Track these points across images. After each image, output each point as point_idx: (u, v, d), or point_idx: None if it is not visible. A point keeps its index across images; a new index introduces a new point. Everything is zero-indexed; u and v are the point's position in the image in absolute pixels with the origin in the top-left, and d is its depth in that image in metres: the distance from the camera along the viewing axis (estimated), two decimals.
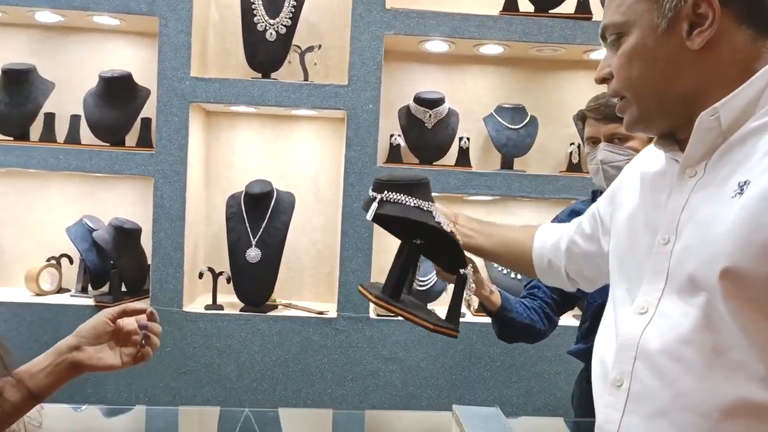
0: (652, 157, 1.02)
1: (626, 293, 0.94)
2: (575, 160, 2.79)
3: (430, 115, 2.73)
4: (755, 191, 0.77)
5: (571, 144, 2.84)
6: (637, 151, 1.83)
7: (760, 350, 0.76)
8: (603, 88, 1.05)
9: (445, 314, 1.27)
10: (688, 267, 0.83)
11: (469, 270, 1.29)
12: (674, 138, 0.93)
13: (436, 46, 2.77)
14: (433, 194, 2.70)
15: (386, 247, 2.93)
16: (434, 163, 2.78)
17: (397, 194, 1.27)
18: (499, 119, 2.81)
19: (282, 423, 1.85)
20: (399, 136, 2.79)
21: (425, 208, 1.26)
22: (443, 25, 2.64)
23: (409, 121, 2.77)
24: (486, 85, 2.95)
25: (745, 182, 0.80)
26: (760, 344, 0.76)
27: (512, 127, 2.78)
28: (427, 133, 2.75)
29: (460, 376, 2.66)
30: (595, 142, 1.62)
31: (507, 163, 2.80)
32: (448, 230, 1.26)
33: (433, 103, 2.73)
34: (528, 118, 2.81)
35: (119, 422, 1.82)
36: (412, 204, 1.26)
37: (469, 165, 2.78)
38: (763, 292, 0.75)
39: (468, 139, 2.79)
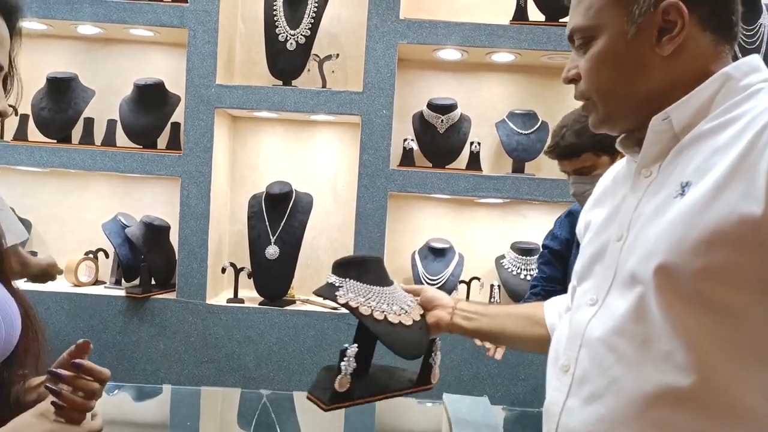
0: (613, 170, 1.07)
1: (588, 292, 0.97)
2: None
3: (442, 121, 2.85)
4: (694, 193, 0.82)
5: None
6: None
7: (685, 342, 0.80)
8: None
9: (418, 375, 1.42)
10: (630, 263, 0.87)
11: (437, 342, 1.42)
12: (636, 139, 0.96)
13: (449, 54, 2.89)
14: (443, 196, 2.87)
15: (399, 246, 3.07)
16: (446, 167, 2.89)
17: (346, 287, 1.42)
18: (511, 125, 2.90)
19: (296, 404, 1.98)
20: (412, 140, 2.91)
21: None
22: (455, 34, 2.75)
23: (422, 126, 2.89)
24: (499, 91, 3.04)
25: (686, 183, 0.84)
26: (686, 336, 0.80)
27: (523, 132, 2.87)
28: (439, 137, 2.86)
29: (468, 372, 2.75)
30: (568, 174, 1.73)
31: (518, 167, 2.89)
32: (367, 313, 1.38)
33: (446, 108, 2.84)
34: (539, 123, 2.90)
35: (149, 401, 1.95)
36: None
37: (479, 169, 2.88)
38: (691, 286, 0.80)
39: (479, 143, 2.89)
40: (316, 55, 2.89)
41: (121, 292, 2.84)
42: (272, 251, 2.80)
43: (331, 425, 1.58)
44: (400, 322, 1.41)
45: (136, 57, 3.06)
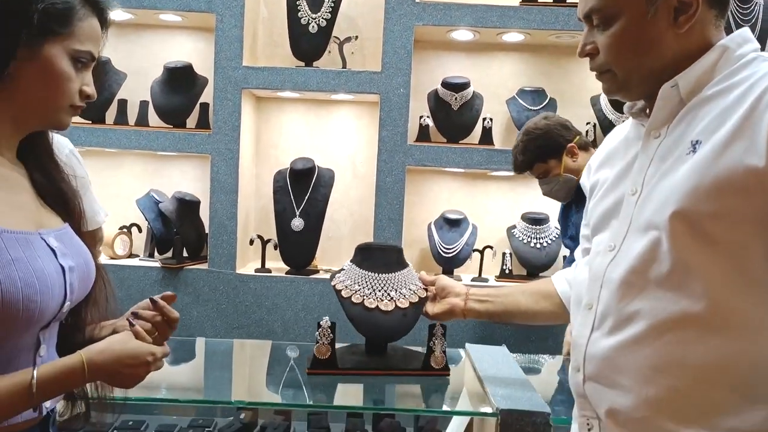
0: (615, 134, 1.22)
1: (605, 239, 1.11)
2: (590, 138, 3.02)
3: (455, 98, 3.01)
4: (704, 149, 0.95)
5: (587, 123, 3.06)
6: (559, 174, 2.28)
7: (697, 274, 0.96)
8: None
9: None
10: (647, 212, 1.01)
11: (436, 329, 1.64)
12: (643, 107, 1.11)
13: (462, 35, 3.04)
14: (458, 170, 3.10)
15: (417, 218, 3.24)
16: (460, 142, 3.05)
17: None
18: (521, 101, 3.06)
19: None
20: (428, 117, 3.07)
21: None
22: (468, 15, 2.91)
23: (437, 103, 3.05)
24: (510, 70, 3.20)
25: (697, 141, 0.97)
26: (697, 269, 0.95)
27: (532, 108, 3.03)
28: (453, 114, 3.02)
29: (484, 333, 2.94)
30: None
31: None
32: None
33: (459, 87, 3.00)
34: (547, 100, 3.06)
35: (183, 350, 2.11)
36: None
37: (491, 143, 3.04)
38: (702, 227, 0.93)
39: (491, 119, 3.05)
40: (337, 37, 3.04)
41: (157, 264, 3.02)
42: (297, 223, 2.97)
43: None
44: (377, 307, 1.60)
45: (166, 41, 3.22)
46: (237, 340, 2.77)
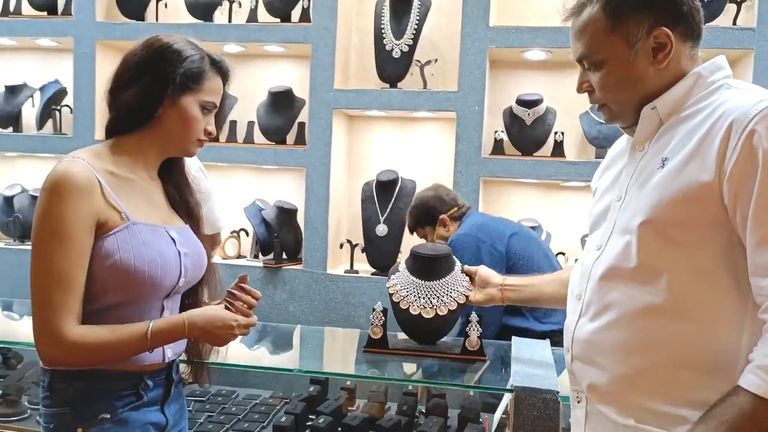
0: (616, 145, 1.41)
1: (595, 239, 1.31)
2: None
3: (528, 114, 3.20)
4: (670, 165, 1.13)
5: None
6: (433, 239, 2.63)
7: (660, 272, 1.12)
8: None
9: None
10: (624, 217, 1.20)
11: (471, 317, 1.86)
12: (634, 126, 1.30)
13: (536, 55, 3.24)
14: (531, 180, 3.34)
15: None
16: (533, 155, 3.24)
17: None
18: (593, 115, 3.20)
19: None
20: (502, 131, 3.29)
21: None
22: (539, 37, 3.10)
23: (511, 119, 3.26)
24: None
25: (665, 158, 1.15)
26: (660, 267, 1.12)
27: (603, 122, 3.16)
28: (526, 129, 3.22)
29: None
30: None
31: (600, 154, 3.18)
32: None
33: (532, 103, 3.20)
34: None
35: (280, 336, 2.47)
36: None
37: (563, 155, 3.20)
38: (665, 232, 1.12)
39: (562, 133, 3.22)
40: (418, 61, 3.33)
41: (260, 264, 3.44)
42: (381, 229, 3.28)
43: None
44: (420, 314, 1.84)
45: (270, 69, 3.67)
46: (328, 327, 3.10)
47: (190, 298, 1.50)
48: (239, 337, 1.43)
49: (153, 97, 1.36)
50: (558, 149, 3.21)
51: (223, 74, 1.46)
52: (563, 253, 3.26)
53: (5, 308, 2.93)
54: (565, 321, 1.35)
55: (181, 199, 1.50)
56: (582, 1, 1.24)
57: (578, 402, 1.30)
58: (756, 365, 1.04)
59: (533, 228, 3.25)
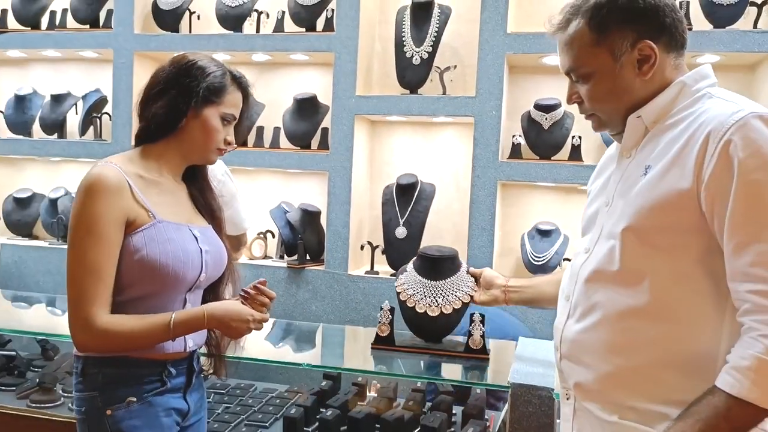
0: (609, 151, 1.46)
1: (585, 242, 1.36)
2: None
3: (546, 118, 3.25)
4: (652, 173, 1.18)
5: None
6: None
7: (641, 275, 1.18)
8: None
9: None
10: (609, 223, 1.25)
11: (474, 316, 1.93)
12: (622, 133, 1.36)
13: (554, 60, 3.28)
14: (549, 184, 3.35)
15: (512, 229, 3.51)
16: (551, 159, 3.28)
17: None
18: None
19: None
20: (520, 136, 3.34)
21: None
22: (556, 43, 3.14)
23: (529, 123, 3.31)
24: None
25: (648, 166, 1.20)
26: (642, 271, 1.18)
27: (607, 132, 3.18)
28: (544, 133, 3.27)
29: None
30: None
31: None
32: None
33: (550, 108, 3.24)
34: None
35: (303, 334, 2.58)
36: None
37: (580, 159, 3.24)
38: (647, 238, 1.17)
39: (579, 137, 3.25)
40: (438, 67, 3.41)
41: (284, 264, 3.57)
42: (401, 232, 3.37)
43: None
44: (425, 312, 1.92)
45: (295, 76, 3.80)
46: (348, 326, 3.21)
47: (212, 294, 1.62)
48: (256, 332, 1.54)
49: (178, 109, 1.49)
50: (575, 153, 3.25)
51: (243, 89, 1.58)
52: None
53: (48, 303, 3.13)
54: (555, 321, 1.40)
55: (204, 202, 1.63)
56: (567, 17, 1.29)
57: (567, 399, 1.36)
58: (731, 366, 1.08)
59: (550, 231, 3.30)
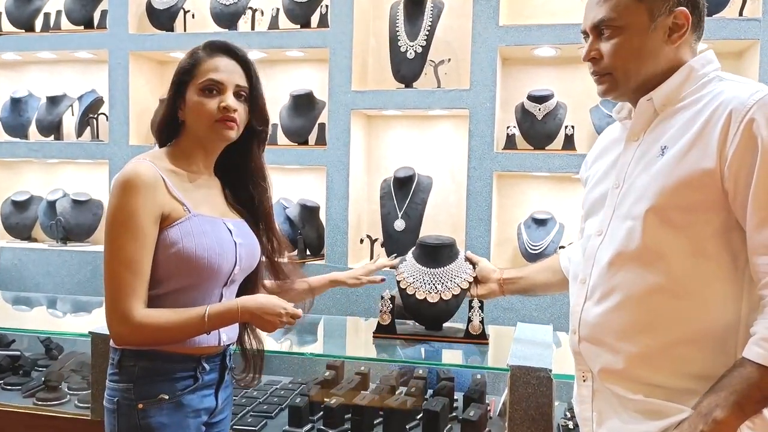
0: (606, 134, 1.51)
1: (595, 225, 1.38)
2: None
3: (539, 109, 3.29)
4: (670, 153, 1.21)
5: None
6: None
7: (662, 254, 1.22)
8: None
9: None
10: (626, 203, 1.27)
11: (473, 303, 1.97)
12: (627, 111, 1.38)
13: (546, 51, 3.32)
14: (543, 174, 3.36)
15: (509, 219, 3.55)
16: (545, 149, 3.32)
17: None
18: (603, 109, 3.27)
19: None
20: (514, 127, 3.38)
21: None
22: (548, 34, 3.18)
23: (523, 114, 3.35)
24: (593, 81, 3.40)
25: (665, 147, 1.23)
26: (662, 250, 1.22)
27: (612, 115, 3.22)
28: (537, 123, 3.31)
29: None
30: None
31: None
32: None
33: (543, 99, 3.28)
34: None
35: (305, 326, 2.61)
36: None
37: (573, 148, 3.28)
38: (669, 216, 1.20)
39: (572, 127, 3.29)
40: (432, 61, 3.45)
41: (285, 260, 3.58)
42: (399, 225, 3.41)
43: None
44: (425, 299, 1.95)
45: (291, 72, 3.83)
46: (350, 317, 3.24)
47: (246, 289, 1.63)
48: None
49: (171, 107, 1.53)
50: (569, 143, 3.29)
51: (218, 49, 1.52)
52: None
53: (49, 304, 3.16)
54: (570, 305, 1.41)
55: (237, 195, 1.64)
56: None
57: (584, 381, 1.37)
58: (759, 337, 1.12)
59: (546, 220, 3.34)
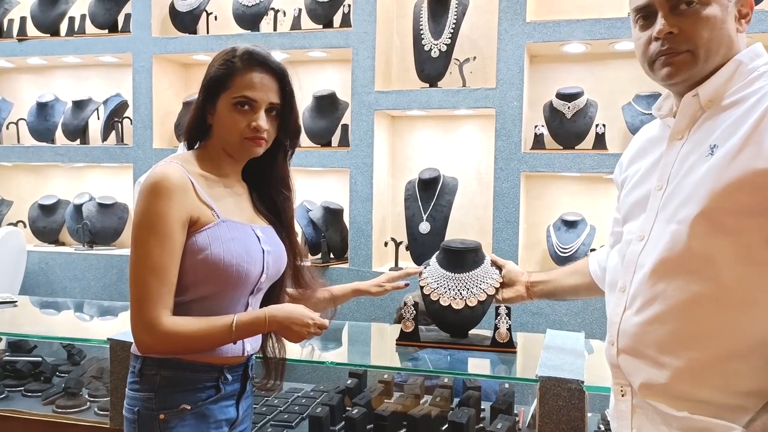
0: (643, 134, 1.40)
1: (635, 229, 1.28)
2: None
3: (568, 107, 3.19)
4: (720, 152, 1.11)
5: None
6: None
7: (708, 260, 1.10)
8: None
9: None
10: (671, 206, 1.17)
11: (500, 310, 1.88)
12: (669, 108, 1.28)
13: (575, 47, 3.21)
14: (574, 174, 3.24)
15: (538, 221, 3.45)
16: (575, 148, 3.22)
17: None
18: (636, 106, 3.15)
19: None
20: (542, 126, 3.28)
21: None
22: (578, 30, 3.08)
23: (551, 113, 3.25)
24: (626, 77, 3.29)
25: (714, 146, 1.13)
26: (709, 256, 1.10)
27: (646, 112, 3.11)
28: (567, 122, 3.20)
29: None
30: None
31: None
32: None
33: (572, 96, 3.18)
34: None
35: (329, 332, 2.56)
36: None
37: (605, 148, 3.17)
38: (718, 220, 1.09)
39: (604, 125, 3.18)
40: (457, 59, 3.37)
41: (308, 263, 3.53)
42: (424, 227, 3.33)
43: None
44: (450, 305, 1.87)
45: (314, 74, 3.78)
46: (374, 323, 3.19)
47: (272, 299, 1.58)
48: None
49: (201, 110, 1.48)
50: (600, 142, 3.18)
51: (256, 61, 1.46)
52: None
53: (76, 309, 3.16)
54: (608, 314, 1.32)
55: (265, 202, 1.59)
56: None
57: (622, 395, 1.27)
58: None
59: (576, 221, 3.23)
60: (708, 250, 1.12)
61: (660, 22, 1.19)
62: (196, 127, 1.51)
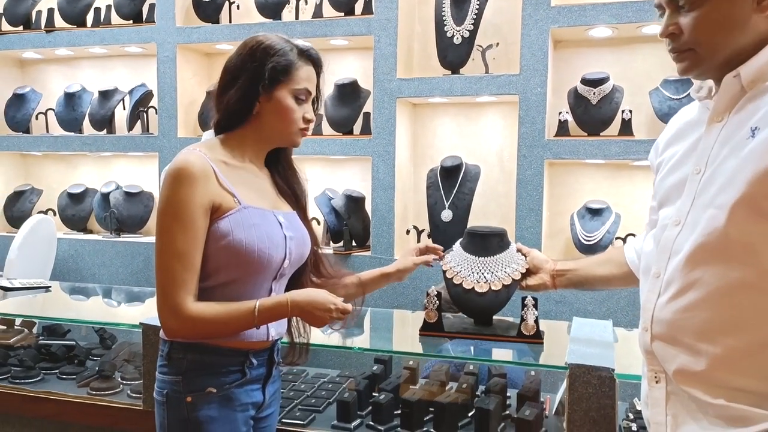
0: (681, 116, 1.36)
1: (671, 214, 1.22)
2: None
3: (594, 93, 3.15)
4: (762, 134, 1.06)
5: None
6: None
7: (748, 245, 1.07)
8: None
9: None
10: (710, 191, 1.13)
11: (527, 300, 1.86)
12: (708, 90, 1.24)
13: (601, 32, 3.17)
14: (599, 161, 3.19)
15: (562, 209, 3.42)
16: (600, 135, 3.18)
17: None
18: (664, 91, 3.11)
19: None
20: (567, 113, 3.25)
21: None
22: (603, 13, 3.04)
23: (576, 99, 3.22)
24: (654, 61, 3.24)
25: (756, 128, 1.08)
26: (749, 241, 1.07)
27: (675, 97, 3.06)
28: (592, 108, 3.17)
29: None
30: None
31: None
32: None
33: (597, 82, 3.14)
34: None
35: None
36: None
37: (631, 134, 3.13)
38: (759, 205, 1.06)
39: (630, 111, 3.14)
40: (480, 46, 3.34)
41: (330, 251, 3.56)
42: (446, 215, 3.33)
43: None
44: (473, 289, 1.85)
45: (335, 62, 3.78)
46: (396, 310, 3.20)
47: (296, 284, 1.60)
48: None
49: (248, 95, 1.48)
50: (626, 128, 3.14)
51: (314, 61, 1.54)
52: (634, 234, 3.19)
53: (105, 294, 3.22)
54: (641, 300, 1.31)
55: (288, 187, 1.62)
56: None
57: (657, 382, 1.25)
58: None
59: (601, 209, 3.21)
60: (747, 236, 1.09)
61: (663, 22, 1.19)
62: (237, 112, 1.50)
